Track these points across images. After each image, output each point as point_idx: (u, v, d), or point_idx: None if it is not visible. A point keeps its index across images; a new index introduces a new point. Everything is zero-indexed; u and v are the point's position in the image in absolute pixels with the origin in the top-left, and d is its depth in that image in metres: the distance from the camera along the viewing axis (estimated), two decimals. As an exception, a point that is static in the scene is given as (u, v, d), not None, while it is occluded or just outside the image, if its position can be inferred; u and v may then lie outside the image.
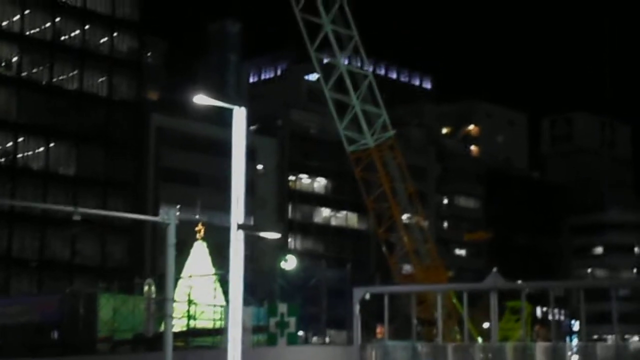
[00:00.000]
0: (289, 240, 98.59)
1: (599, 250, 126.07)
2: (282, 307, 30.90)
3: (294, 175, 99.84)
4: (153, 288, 29.81)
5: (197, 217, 32.38)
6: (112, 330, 36.16)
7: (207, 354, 32.39)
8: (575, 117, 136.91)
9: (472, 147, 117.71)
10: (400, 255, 48.45)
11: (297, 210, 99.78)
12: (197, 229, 41.59)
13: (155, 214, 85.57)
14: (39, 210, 79.83)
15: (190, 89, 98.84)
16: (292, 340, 30.77)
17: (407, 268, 50.70)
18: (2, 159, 79.40)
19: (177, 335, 35.42)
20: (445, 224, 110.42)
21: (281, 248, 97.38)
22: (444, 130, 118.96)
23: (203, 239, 40.98)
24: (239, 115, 27.50)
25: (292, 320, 30.83)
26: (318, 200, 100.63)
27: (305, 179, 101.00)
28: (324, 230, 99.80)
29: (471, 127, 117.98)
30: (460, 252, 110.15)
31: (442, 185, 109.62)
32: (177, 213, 30.13)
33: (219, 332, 33.38)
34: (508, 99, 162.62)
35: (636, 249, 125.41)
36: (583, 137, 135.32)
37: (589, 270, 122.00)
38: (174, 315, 32.27)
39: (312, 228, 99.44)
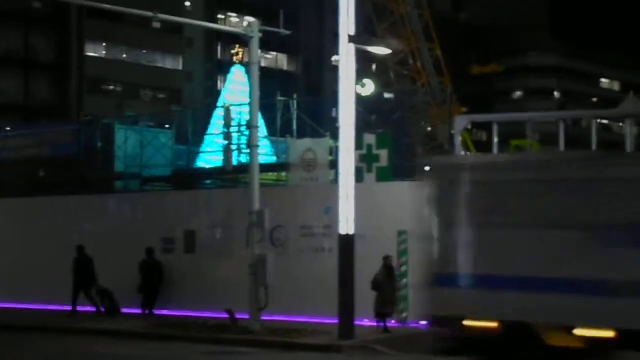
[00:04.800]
0: (218, 82, 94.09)
1: (518, 94, 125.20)
2: (369, 138, 26.72)
3: (222, 14, 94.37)
4: (231, 113, 25.43)
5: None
6: (140, 166, 31.55)
7: (294, 191, 28.31)
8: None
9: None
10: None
11: (226, 50, 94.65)
12: (235, 51, 36.99)
13: (81, 50, 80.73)
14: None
15: None
16: (384, 176, 26.78)
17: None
18: None
19: (220, 171, 31.23)
20: (374, 67, 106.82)
21: (209, 89, 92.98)
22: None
23: (241, 63, 36.40)
24: None
25: (384, 153, 26.79)
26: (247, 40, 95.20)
27: (234, 17, 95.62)
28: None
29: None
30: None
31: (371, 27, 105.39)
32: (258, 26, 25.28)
33: (284, 168, 29.17)
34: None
35: (556, 93, 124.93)
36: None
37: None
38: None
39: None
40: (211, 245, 29.29)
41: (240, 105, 29.37)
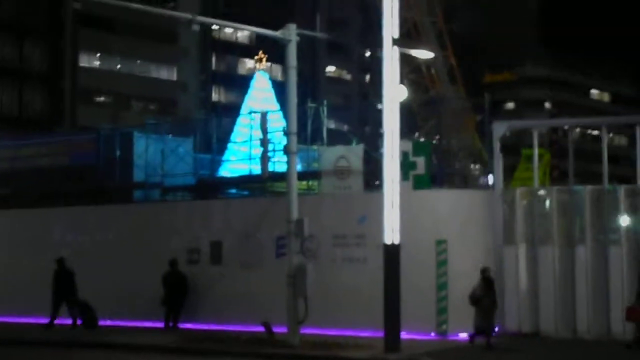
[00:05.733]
0: (213, 93, 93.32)
1: (510, 105, 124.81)
2: (405, 145, 25.83)
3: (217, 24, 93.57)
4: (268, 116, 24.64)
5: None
6: (161, 175, 30.61)
7: (327, 199, 27.38)
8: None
9: None
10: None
11: (221, 60, 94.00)
12: (257, 57, 36.25)
13: (75, 60, 79.66)
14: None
15: None
16: (421, 184, 25.97)
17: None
18: None
19: (248, 179, 30.42)
20: (367, 77, 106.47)
21: (204, 100, 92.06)
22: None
23: (264, 70, 35.61)
24: None
25: (421, 161, 26.02)
26: (242, 50, 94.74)
27: (229, 28, 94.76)
28: (247, 82, 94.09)
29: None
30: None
31: (364, 37, 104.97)
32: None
33: (315, 176, 28.30)
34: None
35: (546, 104, 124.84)
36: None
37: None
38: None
39: (236, 79, 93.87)
40: (239, 256, 28.36)
41: (268, 112, 28.44)
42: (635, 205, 24.84)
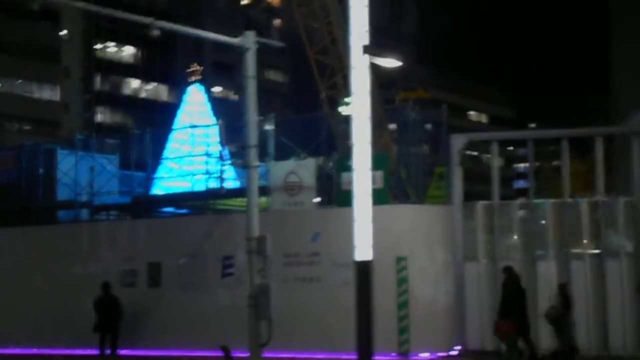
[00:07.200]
0: (97, 113, 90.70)
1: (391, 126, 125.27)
2: (362, 159, 24.81)
3: (101, 42, 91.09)
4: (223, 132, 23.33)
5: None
6: (89, 194, 28.85)
7: (276, 216, 26.02)
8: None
9: (276, 21, 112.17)
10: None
11: (105, 81, 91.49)
12: (192, 69, 34.64)
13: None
14: None
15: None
16: (380, 199, 24.91)
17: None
18: None
19: (192, 196, 28.97)
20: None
21: (87, 121, 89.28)
22: (246, 1, 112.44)
23: (199, 82, 34.05)
24: None
25: (379, 174, 25.04)
26: (127, 70, 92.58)
27: (112, 47, 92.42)
28: (133, 102, 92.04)
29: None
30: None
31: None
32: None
33: (264, 192, 26.92)
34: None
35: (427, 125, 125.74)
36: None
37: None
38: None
39: (120, 100, 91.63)
40: (180, 277, 26.88)
41: (208, 126, 27.16)
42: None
